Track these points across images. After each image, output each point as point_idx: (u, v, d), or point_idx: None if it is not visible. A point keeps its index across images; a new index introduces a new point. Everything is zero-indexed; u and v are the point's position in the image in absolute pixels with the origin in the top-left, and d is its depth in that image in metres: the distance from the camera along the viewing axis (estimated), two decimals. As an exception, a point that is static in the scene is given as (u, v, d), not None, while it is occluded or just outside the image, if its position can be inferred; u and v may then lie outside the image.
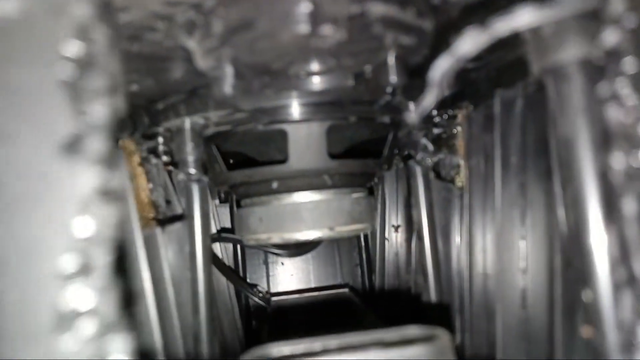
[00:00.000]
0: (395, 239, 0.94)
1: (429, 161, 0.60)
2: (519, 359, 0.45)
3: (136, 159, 0.61)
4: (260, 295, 0.94)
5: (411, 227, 0.79)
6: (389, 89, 0.49)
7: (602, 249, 0.26)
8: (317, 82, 0.44)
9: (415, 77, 0.40)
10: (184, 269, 0.59)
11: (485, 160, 0.53)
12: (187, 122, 0.56)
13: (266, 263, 1.06)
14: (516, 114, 0.46)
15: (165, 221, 0.65)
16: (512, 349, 0.45)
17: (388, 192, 0.95)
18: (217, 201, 0.97)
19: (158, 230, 0.56)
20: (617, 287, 0.25)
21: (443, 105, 0.60)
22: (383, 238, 0.96)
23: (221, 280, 0.91)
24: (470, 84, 0.56)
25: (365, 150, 0.72)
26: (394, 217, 0.95)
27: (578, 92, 0.27)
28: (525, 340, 0.44)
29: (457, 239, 0.61)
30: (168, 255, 0.60)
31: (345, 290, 0.93)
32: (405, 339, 0.33)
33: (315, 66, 0.41)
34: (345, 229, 0.66)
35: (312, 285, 1.06)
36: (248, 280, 1.04)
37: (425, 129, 0.61)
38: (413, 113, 0.47)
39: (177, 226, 0.59)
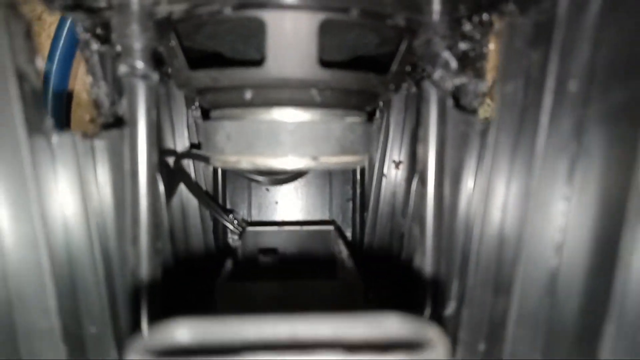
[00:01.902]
0: (394, 176, 0.82)
1: (450, 83, 0.46)
2: (534, 359, 0.33)
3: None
4: (235, 222, 0.83)
5: (415, 165, 0.66)
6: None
7: None
8: None
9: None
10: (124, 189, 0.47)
11: (525, 86, 0.39)
12: (132, -5, 0.41)
13: (249, 187, 0.96)
14: (588, 19, 0.31)
15: (108, 126, 0.52)
16: (525, 343, 0.34)
17: (394, 121, 0.81)
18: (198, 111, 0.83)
19: (75, 137, 0.43)
20: None
21: (477, 6, 0.45)
22: (381, 174, 0.83)
23: (192, 200, 0.80)
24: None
25: (373, 64, 0.57)
26: (397, 151, 0.82)
27: None
28: (545, 334, 0.33)
29: (470, 187, 0.48)
30: (107, 170, 0.47)
31: (331, 228, 0.82)
32: (383, 340, 0.21)
33: None
34: (332, 161, 0.53)
35: (298, 215, 0.96)
36: (228, 205, 0.94)
37: (451, 40, 0.46)
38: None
39: (115, 134, 0.46)
